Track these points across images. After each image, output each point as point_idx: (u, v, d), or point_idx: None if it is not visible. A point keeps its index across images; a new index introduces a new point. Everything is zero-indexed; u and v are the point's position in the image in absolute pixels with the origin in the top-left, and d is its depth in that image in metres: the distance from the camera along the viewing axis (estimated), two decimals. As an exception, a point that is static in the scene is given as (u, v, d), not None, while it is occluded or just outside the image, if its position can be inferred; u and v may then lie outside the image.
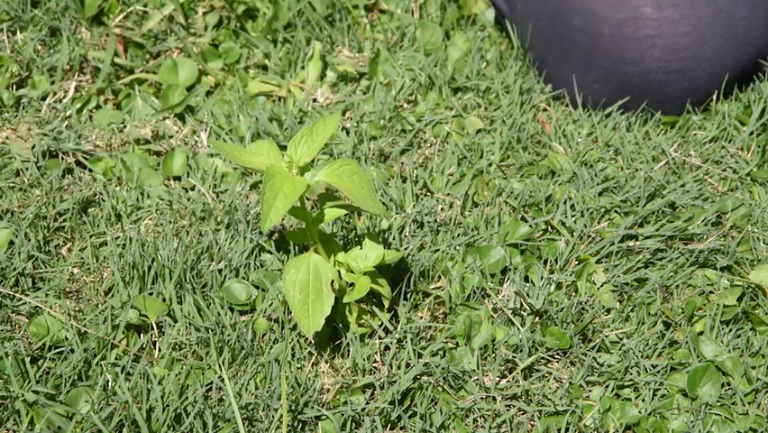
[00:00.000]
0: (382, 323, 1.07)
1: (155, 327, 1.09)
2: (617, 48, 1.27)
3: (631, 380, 1.06)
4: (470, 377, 1.05)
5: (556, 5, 1.31)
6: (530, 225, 1.19)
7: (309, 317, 1.00)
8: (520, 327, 1.09)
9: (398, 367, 1.05)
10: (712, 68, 1.28)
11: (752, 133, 1.32)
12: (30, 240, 1.16)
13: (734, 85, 1.34)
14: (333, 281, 1.01)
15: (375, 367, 1.06)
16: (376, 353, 1.06)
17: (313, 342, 1.06)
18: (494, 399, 1.04)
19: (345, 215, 1.18)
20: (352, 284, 1.05)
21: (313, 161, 1.00)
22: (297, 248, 1.16)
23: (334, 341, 1.07)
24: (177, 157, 1.27)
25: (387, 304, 1.08)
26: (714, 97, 1.33)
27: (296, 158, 0.98)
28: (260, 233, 1.17)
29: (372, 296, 1.10)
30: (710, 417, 1.04)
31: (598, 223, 1.20)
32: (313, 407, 1.02)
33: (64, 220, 1.20)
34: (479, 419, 1.03)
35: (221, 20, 1.45)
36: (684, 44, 1.25)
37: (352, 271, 1.05)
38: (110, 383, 1.03)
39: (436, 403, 1.04)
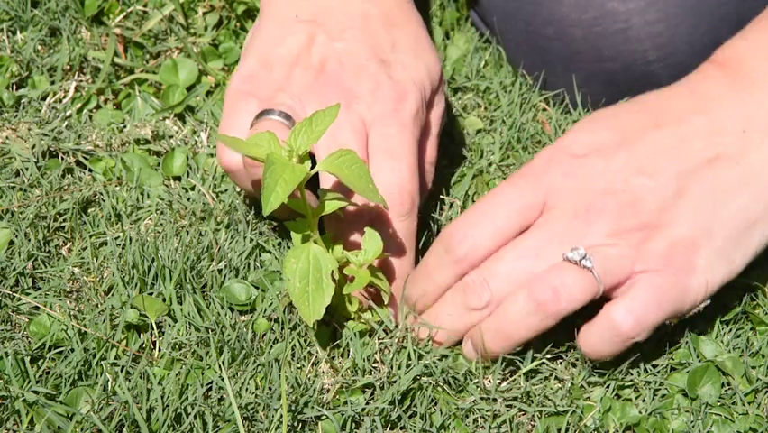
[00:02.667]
0: (382, 322, 1.07)
1: (155, 327, 1.09)
2: (592, 48, 1.25)
3: (631, 380, 1.06)
4: (471, 379, 1.05)
5: (527, 20, 1.29)
6: (530, 225, 1.19)
7: (309, 305, 1.00)
8: (520, 327, 1.09)
9: (398, 367, 1.05)
10: (693, 49, 1.26)
11: (752, 134, 1.31)
12: (30, 240, 1.16)
13: None
14: (333, 271, 1.01)
15: (375, 367, 1.06)
16: (376, 353, 1.06)
17: (313, 342, 1.06)
18: (494, 399, 1.04)
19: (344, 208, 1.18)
20: (351, 278, 1.05)
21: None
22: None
23: (334, 341, 1.07)
24: (177, 157, 1.27)
25: (386, 299, 1.08)
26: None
27: (295, 147, 0.98)
28: (261, 233, 1.18)
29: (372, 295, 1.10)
30: (710, 417, 1.04)
31: (599, 223, 1.20)
32: (313, 407, 1.02)
33: (64, 220, 1.20)
34: (479, 419, 1.03)
35: (221, 20, 1.45)
36: (657, 31, 1.22)
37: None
38: (110, 383, 1.03)
39: (436, 403, 1.04)
